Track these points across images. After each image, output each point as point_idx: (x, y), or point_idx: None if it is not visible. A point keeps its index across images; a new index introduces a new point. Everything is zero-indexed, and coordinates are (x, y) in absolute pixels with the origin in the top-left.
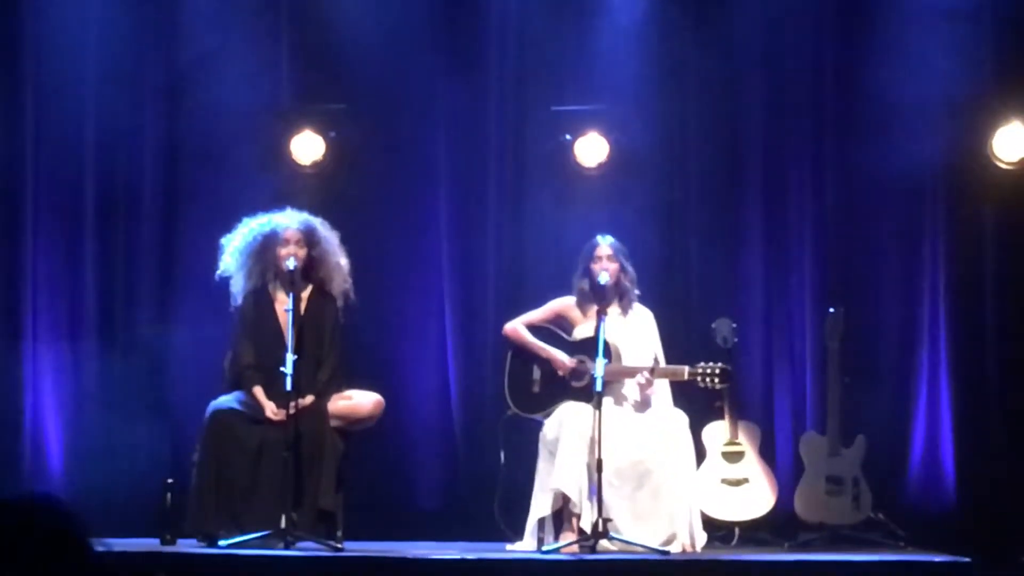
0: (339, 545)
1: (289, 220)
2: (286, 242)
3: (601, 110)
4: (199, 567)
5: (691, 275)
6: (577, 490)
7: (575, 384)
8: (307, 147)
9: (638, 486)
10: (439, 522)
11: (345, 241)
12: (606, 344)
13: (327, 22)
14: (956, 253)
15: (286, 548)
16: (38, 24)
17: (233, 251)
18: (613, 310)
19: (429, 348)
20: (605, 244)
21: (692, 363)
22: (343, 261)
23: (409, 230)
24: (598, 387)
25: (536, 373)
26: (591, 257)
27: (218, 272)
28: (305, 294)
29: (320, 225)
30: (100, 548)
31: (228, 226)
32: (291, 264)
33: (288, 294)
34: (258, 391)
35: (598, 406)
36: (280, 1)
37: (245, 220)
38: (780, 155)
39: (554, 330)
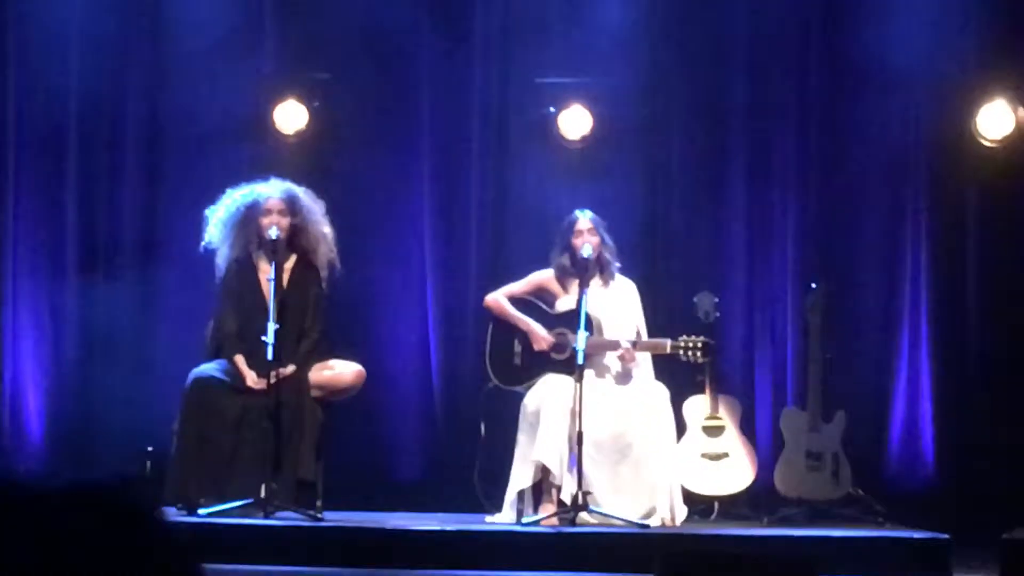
0: (319, 515)
1: (271, 190)
2: (268, 211)
3: (585, 83)
4: (178, 535)
5: (674, 248)
6: (558, 462)
7: (556, 356)
8: (290, 117)
9: (618, 459)
10: (419, 493)
11: (327, 211)
12: (588, 317)
13: None
14: (939, 230)
15: (266, 517)
16: None
17: (217, 222)
18: (595, 282)
19: (411, 319)
20: (585, 218)
21: (674, 336)
22: (327, 230)
23: (392, 201)
24: (580, 360)
25: (517, 345)
26: (571, 231)
27: (203, 244)
28: (289, 264)
29: (303, 194)
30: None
31: (211, 195)
32: (273, 233)
33: (271, 263)
34: (239, 360)
35: (580, 379)
36: None
37: (228, 191)
38: (764, 130)
39: (536, 302)
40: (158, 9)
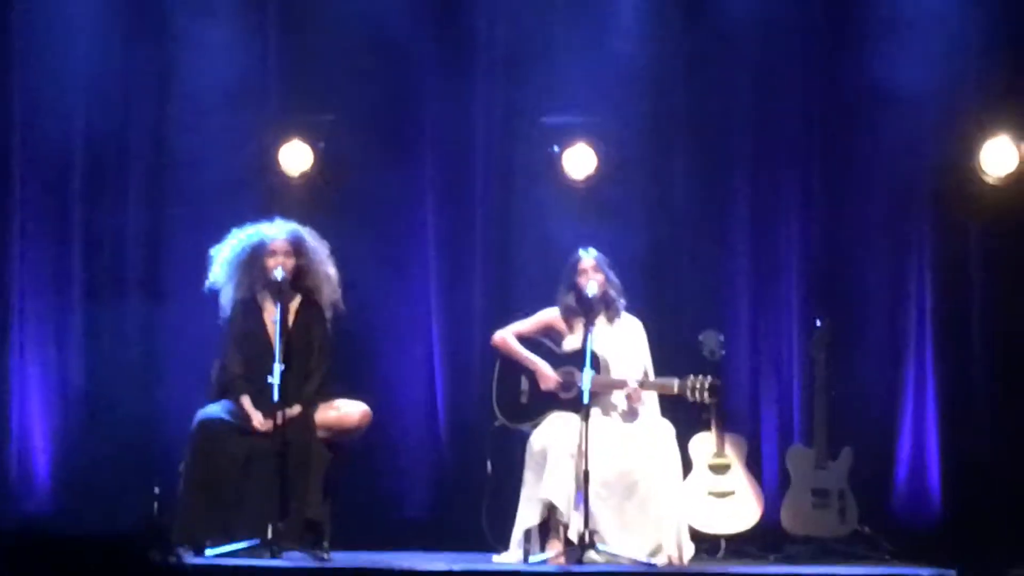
0: (326, 555)
1: (277, 230)
2: (273, 252)
3: (589, 122)
4: None
5: (678, 287)
6: (565, 500)
7: (563, 395)
8: (296, 157)
9: (625, 497)
10: (426, 532)
11: (332, 251)
12: (594, 355)
13: (316, 32)
14: (943, 267)
15: (273, 558)
16: (27, 23)
17: (222, 262)
18: (600, 320)
19: (417, 358)
20: (588, 257)
21: (680, 375)
22: (332, 271)
23: (397, 240)
24: (585, 399)
25: (524, 384)
26: (576, 271)
27: (207, 283)
28: (293, 304)
29: (308, 235)
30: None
31: (217, 235)
32: (279, 274)
33: (276, 304)
34: (246, 401)
35: (586, 418)
36: (268, 11)
37: (234, 231)
38: (768, 167)
39: (544, 341)
40: (164, 51)
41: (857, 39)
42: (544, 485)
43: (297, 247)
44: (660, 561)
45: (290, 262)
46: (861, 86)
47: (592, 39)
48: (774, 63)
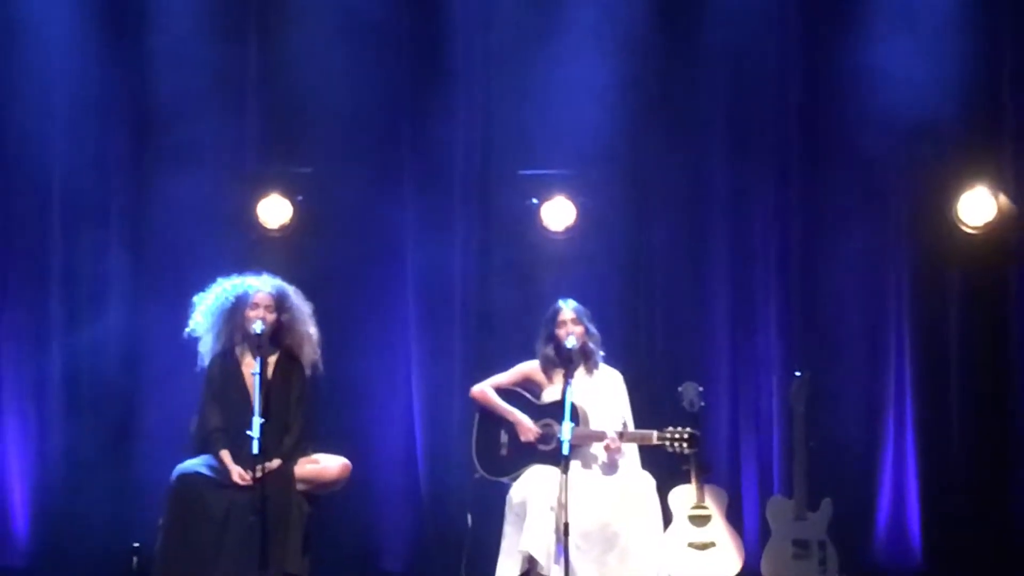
0: None
1: (261, 284)
2: (256, 305)
3: (568, 174)
4: None
5: (657, 338)
6: (545, 553)
7: (543, 447)
8: (274, 211)
9: (605, 549)
10: None
11: (312, 303)
12: (573, 407)
13: (294, 87)
14: (921, 317)
15: None
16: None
17: (204, 311)
18: (579, 372)
19: (396, 411)
20: (568, 308)
21: (659, 427)
22: (313, 331)
23: (376, 293)
24: (565, 451)
25: (504, 436)
26: (555, 322)
27: (187, 331)
28: (272, 358)
29: (293, 293)
30: None
31: (194, 289)
32: (258, 327)
33: (255, 358)
34: (225, 455)
35: (565, 470)
36: (247, 66)
37: (219, 280)
38: (746, 219)
39: (523, 393)
40: (141, 106)
41: (834, 89)
42: (524, 537)
43: (280, 303)
44: None
45: (271, 316)
46: (837, 139)
47: (570, 91)
48: (751, 113)
